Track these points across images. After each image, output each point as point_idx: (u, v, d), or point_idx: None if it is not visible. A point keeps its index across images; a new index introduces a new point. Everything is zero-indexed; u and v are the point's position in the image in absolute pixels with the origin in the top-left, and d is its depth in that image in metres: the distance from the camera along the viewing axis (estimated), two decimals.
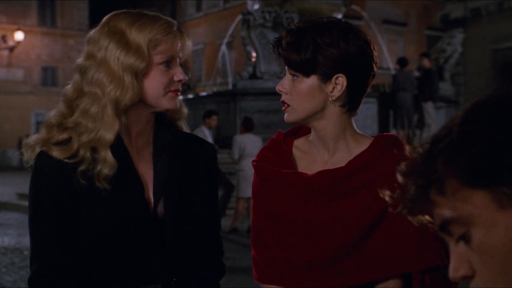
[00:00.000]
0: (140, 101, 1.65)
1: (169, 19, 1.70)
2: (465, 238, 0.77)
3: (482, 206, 0.74)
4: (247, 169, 9.09)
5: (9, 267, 7.54)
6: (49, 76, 34.17)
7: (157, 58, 1.65)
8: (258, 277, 1.73)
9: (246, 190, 9.12)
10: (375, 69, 1.66)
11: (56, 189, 1.60)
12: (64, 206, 1.60)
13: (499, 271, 0.74)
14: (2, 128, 32.39)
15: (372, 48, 1.64)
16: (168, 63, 1.66)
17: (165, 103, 1.67)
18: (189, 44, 1.71)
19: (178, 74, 1.68)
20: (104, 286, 1.63)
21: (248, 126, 9.43)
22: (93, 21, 1.73)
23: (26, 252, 8.21)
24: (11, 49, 33.08)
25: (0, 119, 32.60)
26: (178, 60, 1.69)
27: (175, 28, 1.67)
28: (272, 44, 1.68)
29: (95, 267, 1.62)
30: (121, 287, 1.63)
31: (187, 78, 1.71)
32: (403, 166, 0.80)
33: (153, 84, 1.65)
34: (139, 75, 1.63)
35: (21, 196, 14.16)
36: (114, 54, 1.62)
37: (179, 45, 1.67)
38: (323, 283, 1.64)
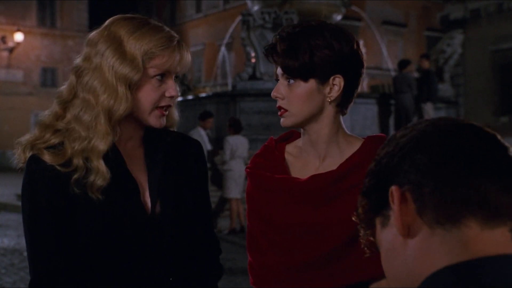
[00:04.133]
0: (131, 113, 1.62)
1: (171, 32, 1.65)
2: None
3: (378, 230, 0.86)
4: (236, 170, 9.22)
5: (9, 268, 7.53)
6: (49, 77, 34.12)
7: (151, 71, 1.61)
8: (254, 282, 1.74)
9: (232, 190, 9.27)
10: (364, 66, 1.69)
11: (51, 195, 1.58)
12: (59, 211, 1.58)
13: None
14: (1, 129, 32.36)
15: (360, 47, 1.68)
16: (162, 76, 1.62)
17: (150, 120, 1.64)
18: (187, 58, 1.66)
19: (170, 90, 1.63)
20: None
21: (237, 128, 9.47)
22: (93, 22, 1.72)
23: (26, 253, 8.19)
24: (11, 50, 33.05)
25: None
26: (173, 75, 1.65)
27: (174, 43, 1.62)
28: (264, 52, 1.68)
29: (95, 271, 1.60)
30: None
31: (179, 94, 1.67)
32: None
33: (145, 97, 1.62)
34: (133, 87, 1.59)
35: (20, 197, 14.11)
36: (109, 62, 1.58)
37: (177, 60, 1.63)
38: (318, 284, 1.65)
